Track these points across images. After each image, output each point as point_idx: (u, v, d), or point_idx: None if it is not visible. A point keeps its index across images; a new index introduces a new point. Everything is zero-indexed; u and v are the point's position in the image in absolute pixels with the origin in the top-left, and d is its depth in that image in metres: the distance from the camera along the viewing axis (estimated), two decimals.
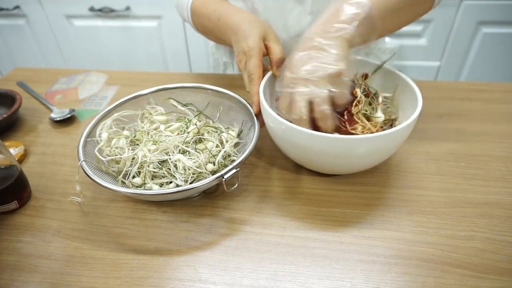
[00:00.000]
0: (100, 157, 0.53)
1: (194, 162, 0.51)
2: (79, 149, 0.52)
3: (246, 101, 0.58)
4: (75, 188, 0.53)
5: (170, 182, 0.51)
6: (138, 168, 0.52)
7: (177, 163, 0.51)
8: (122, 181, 0.53)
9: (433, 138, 0.63)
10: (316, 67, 0.48)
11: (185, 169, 0.51)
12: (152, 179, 0.52)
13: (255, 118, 0.55)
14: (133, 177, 0.52)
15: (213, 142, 0.54)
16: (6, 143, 0.64)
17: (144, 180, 0.52)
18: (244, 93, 0.59)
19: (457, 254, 0.45)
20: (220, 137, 0.56)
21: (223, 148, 0.53)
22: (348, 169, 0.54)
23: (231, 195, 0.55)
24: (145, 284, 0.44)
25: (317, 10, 0.74)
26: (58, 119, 0.71)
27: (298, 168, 0.58)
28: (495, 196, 0.53)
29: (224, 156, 0.53)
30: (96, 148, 0.54)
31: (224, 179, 0.47)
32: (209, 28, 0.69)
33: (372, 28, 0.50)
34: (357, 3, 0.49)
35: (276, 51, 0.57)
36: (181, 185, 0.50)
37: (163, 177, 0.52)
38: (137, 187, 0.52)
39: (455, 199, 0.53)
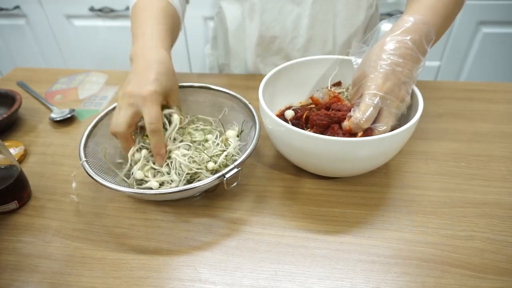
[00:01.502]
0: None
1: (195, 161, 0.51)
2: (80, 149, 0.52)
3: (247, 101, 0.58)
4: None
5: (171, 181, 0.51)
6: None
7: (178, 159, 0.51)
8: (124, 180, 0.53)
9: (433, 138, 0.63)
10: (403, 97, 0.49)
11: (184, 168, 0.51)
12: (154, 176, 0.52)
13: (256, 117, 0.55)
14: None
15: (213, 142, 0.54)
16: (6, 143, 0.64)
17: (145, 174, 0.52)
18: (243, 93, 0.59)
19: (457, 254, 0.45)
20: (221, 136, 0.56)
21: (227, 148, 0.53)
22: (348, 172, 0.54)
23: (231, 195, 0.55)
24: (145, 284, 0.44)
25: (315, 13, 0.74)
26: (58, 119, 0.71)
27: (298, 168, 0.58)
28: (495, 196, 0.53)
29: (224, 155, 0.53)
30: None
31: (225, 179, 0.47)
32: (132, 26, 0.61)
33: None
34: (429, 33, 0.50)
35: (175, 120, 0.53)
36: (181, 184, 0.50)
37: (164, 175, 0.52)
38: (137, 180, 0.52)
39: (455, 199, 0.53)
